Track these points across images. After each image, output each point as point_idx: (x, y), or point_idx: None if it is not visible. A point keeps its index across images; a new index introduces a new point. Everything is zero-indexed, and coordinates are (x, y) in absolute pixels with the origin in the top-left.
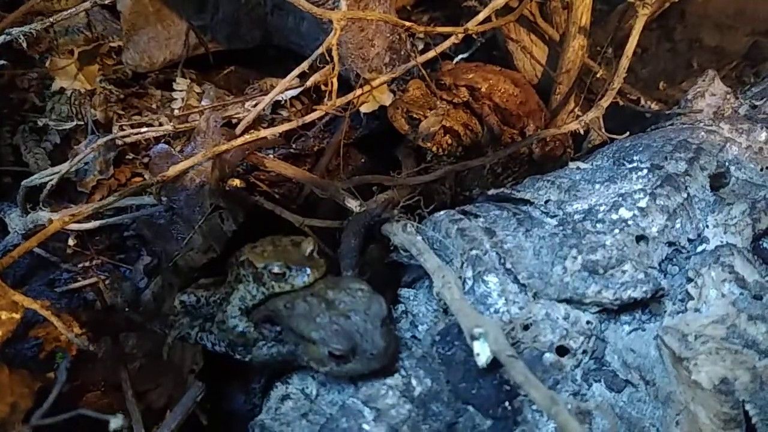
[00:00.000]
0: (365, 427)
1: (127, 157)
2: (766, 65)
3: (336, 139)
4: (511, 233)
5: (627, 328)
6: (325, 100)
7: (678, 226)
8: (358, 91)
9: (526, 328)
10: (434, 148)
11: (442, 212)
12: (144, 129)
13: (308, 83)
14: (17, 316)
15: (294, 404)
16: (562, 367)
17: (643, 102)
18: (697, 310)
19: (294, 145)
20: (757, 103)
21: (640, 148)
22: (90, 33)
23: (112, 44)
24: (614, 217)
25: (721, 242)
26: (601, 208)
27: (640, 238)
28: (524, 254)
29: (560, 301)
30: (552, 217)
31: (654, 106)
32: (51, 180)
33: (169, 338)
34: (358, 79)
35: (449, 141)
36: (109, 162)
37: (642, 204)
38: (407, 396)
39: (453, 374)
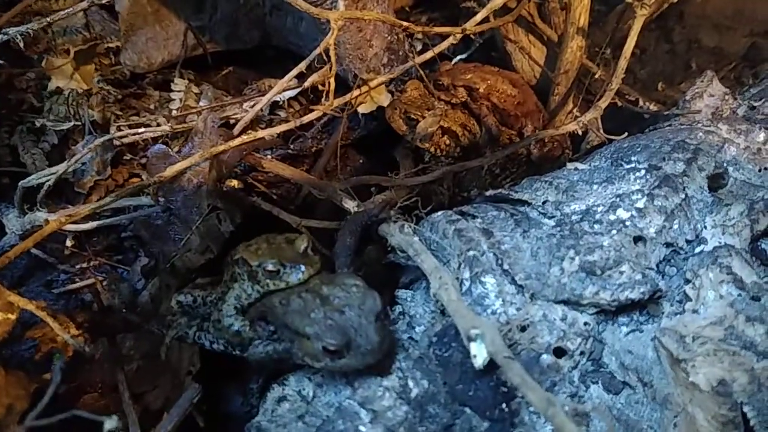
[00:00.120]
0: (362, 428)
1: (125, 157)
2: (765, 66)
3: (334, 139)
4: (508, 234)
5: (625, 329)
6: (323, 100)
7: (676, 227)
8: (356, 92)
9: (523, 329)
10: (432, 149)
11: (439, 213)
12: (142, 129)
13: (306, 84)
14: (13, 317)
15: (290, 406)
16: (559, 368)
17: (641, 103)
18: (695, 311)
19: (292, 146)
20: (756, 104)
21: (638, 149)
22: (88, 33)
23: (110, 44)
24: (612, 217)
25: (719, 243)
26: (599, 209)
27: (637, 239)
28: (522, 255)
29: (558, 303)
30: (549, 217)
31: (652, 107)
32: (48, 180)
33: (167, 338)
34: (356, 80)
35: (447, 142)
36: (107, 162)
37: (640, 205)
38: (404, 398)
39: (450, 376)
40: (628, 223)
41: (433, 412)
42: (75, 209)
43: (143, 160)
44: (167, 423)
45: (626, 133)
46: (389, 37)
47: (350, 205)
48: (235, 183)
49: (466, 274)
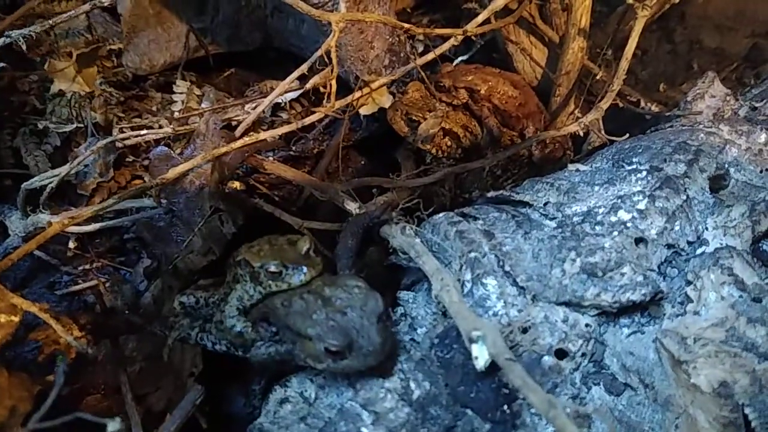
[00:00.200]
0: (364, 430)
1: (127, 159)
2: (766, 67)
3: (335, 141)
4: (509, 235)
5: (626, 331)
6: (325, 102)
7: (677, 228)
8: (358, 94)
9: (524, 331)
10: (434, 150)
11: (440, 215)
12: (144, 131)
13: (308, 85)
14: (16, 319)
15: (293, 407)
16: (560, 370)
17: (642, 104)
18: (696, 312)
19: (293, 148)
20: (757, 105)
21: (640, 150)
22: (90, 35)
23: (112, 47)
24: (613, 219)
25: (721, 244)
26: (600, 211)
27: (639, 241)
28: (523, 257)
29: (559, 304)
30: (551, 219)
31: (654, 108)
32: (51, 183)
33: (170, 339)
34: (358, 81)
35: (449, 143)
36: (109, 164)
37: (641, 206)
38: (406, 399)
39: (451, 377)
40: (629, 225)
41: (434, 414)
42: (78, 211)
43: (146, 162)
44: (170, 424)
45: (627, 134)
46: (390, 39)
47: (352, 206)
48: (237, 185)
49: (468, 276)
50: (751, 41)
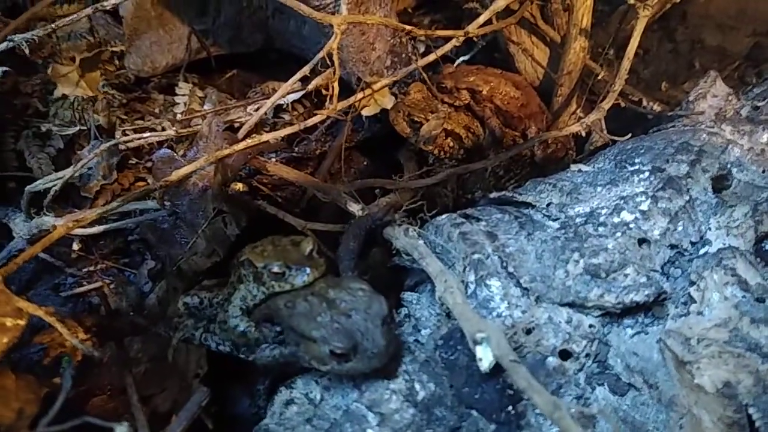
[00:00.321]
0: (369, 431)
1: (130, 161)
2: None
3: (338, 142)
4: (513, 237)
5: (630, 331)
6: (327, 104)
7: (680, 228)
8: (360, 95)
9: (528, 332)
10: (436, 151)
11: (443, 216)
12: (147, 134)
13: (310, 87)
14: (22, 322)
15: (298, 409)
16: (565, 371)
17: (645, 103)
18: (699, 313)
19: (296, 149)
20: (759, 105)
21: (642, 151)
22: (92, 38)
23: (114, 49)
24: (616, 220)
25: (724, 245)
26: (603, 212)
27: (642, 242)
28: (526, 258)
29: (563, 305)
30: (554, 220)
31: (656, 108)
32: (55, 185)
33: (174, 340)
34: (360, 83)
35: (451, 144)
36: (113, 167)
37: (644, 207)
38: (411, 400)
39: (456, 379)
40: (632, 226)
41: (439, 415)
42: (82, 214)
43: (149, 164)
44: (176, 426)
45: (630, 134)
46: (392, 40)
47: (355, 208)
48: (240, 186)
49: (471, 277)
50: (752, 40)
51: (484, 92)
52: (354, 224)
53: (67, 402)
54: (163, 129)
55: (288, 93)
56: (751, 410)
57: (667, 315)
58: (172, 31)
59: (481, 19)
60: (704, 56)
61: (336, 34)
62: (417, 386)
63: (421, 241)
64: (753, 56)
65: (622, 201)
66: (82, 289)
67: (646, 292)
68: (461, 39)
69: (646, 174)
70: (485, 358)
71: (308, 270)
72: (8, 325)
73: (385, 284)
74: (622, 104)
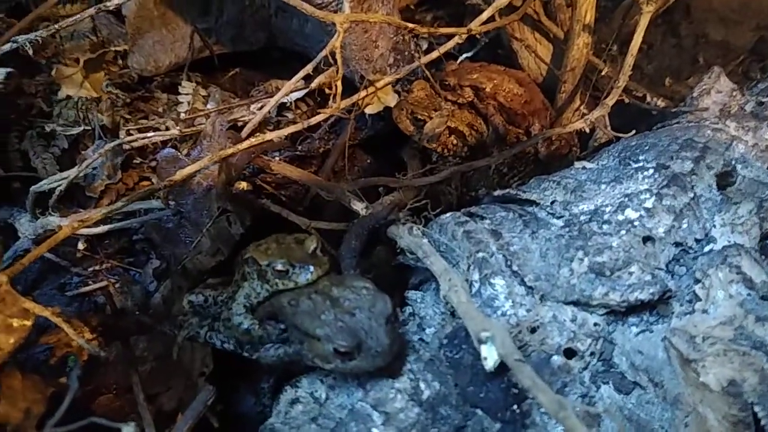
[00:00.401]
0: (374, 430)
1: (135, 161)
2: None
3: (341, 140)
4: (517, 235)
5: (635, 329)
6: (330, 102)
7: (685, 226)
8: (363, 93)
9: (533, 330)
10: (439, 149)
11: (447, 215)
12: (151, 133)
13: (313, 85)
14: (29, 323)
15: (303, 408)
16: (570, 369)
17: (648, 99)
18: (704, 311)
19: (299, 147)
20: (764, 100)
21: (646, 148)
22: (95, 37)
23: (117, 48)
24: (620, 218)
25: (729, 242)
26: (607, 209)
27: (646, 239)
28: (531, 256)
29: (567, 304)
30: (558, 218)
31: (660, 103)
32: (60, 185)
33: (179, 338)
34: (363, 81)
35: (454, 141)
36: (117, 166)
37: (648, 204)
38: (416, 399)
39: (461, 378)
40: (636, 223)
41: (444, 414)
42: (87, 214)
43: (153, 164)
44: (182, 424)
45: (634, 131)
46: (395, 38)
47: (358, 206)
48: (244, 185)
49: (476, 276)
50: (756, 34)
51: (488, 89)
52: (357, 223)
53: (73, 401)
54: (167, 128)
55: (291, 91)
56: (756, 408)
57: (672, 313)
58: (175, 30)
59: (484, 15)
60: (708, 51)
61: (339, 33)
62: (422, 385)
63: (425, 240)
64: (757, 51)
65: (627, 198)
66: (87, 288)
67: (651, 291)
68: (464, 36)
69: (651, 171)
70: (490, 357)
71: (312, 268)
72: (15, 325)
73: (390, 283)
74: (626, 100)
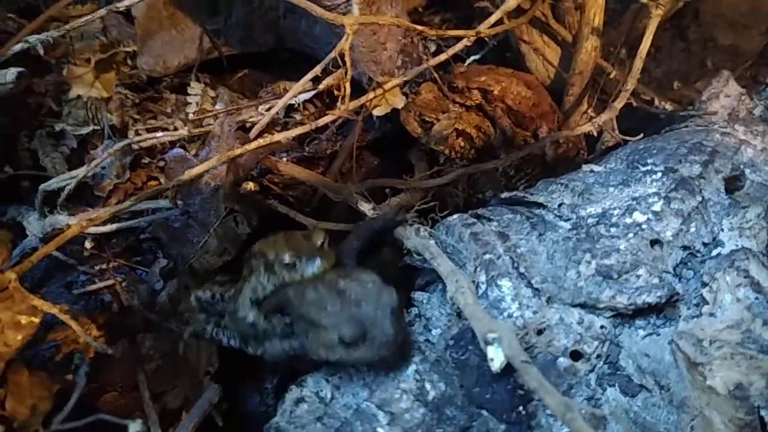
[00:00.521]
0: (379, 430)
1: (143, 161)
2: None
3: (349, 142)
4: (524, 237)
5: (641, 332)
6: (339, 104)
7: (693, 229)
8: (371, 95)
9: (539, 332)
10: (447, 151)
11: (454, 216)
12: (159, 133)
13: (321, 87)
14: (37, 320)
15: (309, 407)
16: (576, 371)
17: (657, 103)
18: (712, 314)
19: (307, 149)
20: None
21: (654, 151)
22: (105, 38)
23: (126, 49)
24: (628, 221)
25: (736, 246)
26: (615, 212)
27: (654, 243)
28: (538, 258)
29: (574, 306)
30: (565, 220)
31: (668, 107)
32: (69, 184)
33: (185, 334)
34: (371, 83)
35: (462, 144)
36: (126, 166)
37: (656, 208)
38: (421, 400)
39: (467, 379)
40: (644, 227)
41: (450, 415)
42: (95, 213)
43: (161, 163)
44: (187, 423)
45: (642, 134)
46: (403, 40)
47: (365, 207)
48: (251, 186)
49: (483, 278)
50: (765, 38)
51: (496, 92)
52: (361, 225)
53: (79, 398)
54: (176, 128)
55: (299, 93)
56: (763, 412)
57: (679, 316)
58: (184, 31)
59: (493, 18)
60: (717, 55)
61: (348, 35)
62: (427, 386)
63: (432, 241)
64: (766, 55)
65: (635, 202)
66: (94, 286)
67: (659, 294)
68: (472, 39)
69: (659, 174)
70: (496, 358)
71: (319, 260)
72: (23, 322)
73: (396, 283)
74: (634, 104)
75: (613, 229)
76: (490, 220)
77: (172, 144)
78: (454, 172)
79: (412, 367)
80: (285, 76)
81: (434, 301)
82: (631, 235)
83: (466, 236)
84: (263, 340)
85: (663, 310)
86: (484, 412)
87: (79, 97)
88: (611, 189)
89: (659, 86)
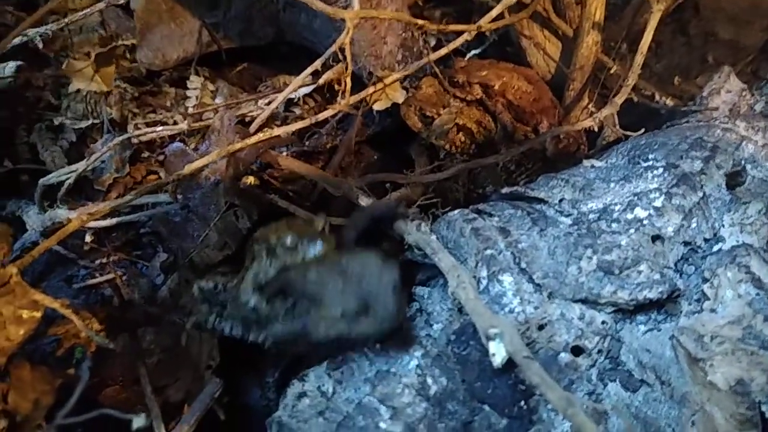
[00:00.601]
0: (382, 425)
1: (143, 155)
2: None
3: (349, 136)
4: (525, 233)
5: (642, 328)
6: (339, 98)
7: (694, 225)
8: (371, 89)
9: (541, 328)
10: (447, 146)
11: (455, 211)
12: (159, 127)
13: (321, 81)
14: (38, 314)
15: (311, 402)
16: (577, 367)
17: (657, 98)
18: (713, 310)
19: (307, 143)
20: None
21: (656, 147)
22: (104, 31)
23: (125, 42)
24: (629, 216)
25: (738, 242)
26: (616, 208)
27: (655, 238)
28: (539, 254)
29: (575, 301)
30: (566, 216)
31: (669, 102)
32: (68, 179)
33: (187, 325)
34: (371, 77)
35: (462, 139)
36: (125, 160)
37: (657, 203)
38: (423, 395)
39: (468, 373)
40: (645, 222)
41: (452, 409)
42: (95, 207)
43: (161, 157)
44: (189, 416)
45: (643, 129)
46: (403, 34)
47: (365, 202)
48: (251, 180)
49: (484, 273)
50: (766, 34)
51: (497, 87)
52: (357, 214)
53: (81, 392)
54: (175, 122)
55: (299, 87)
56: (764, 408)
57: (680, 312)
58: (183, 25)
59: (493, 12)
60: (718, 50)
61: (348, 29)
62: (429, 380)
63: (433, 237)
64: (767, 50)
65: (636, 197)
66: (94, 280)
67: (660, 289)
68: (473, 33)
69: (660, 170)
70: (498, 353)
71: (320, 242)
72: (24, 317)
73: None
74: (635, 99)
75: (614, 225)
76: (491, 215)
77: (172, 138)
78: (455, 167)
79: (414, 362)
80: (284, 70)
81: (435, 297)
82: (632, 230)
83: (467, 231)
84: (265, 324)
85: (664, 305)
86: (486, 407)
87: (78, 90)
88: (612, 184)
89: (660, 81)
